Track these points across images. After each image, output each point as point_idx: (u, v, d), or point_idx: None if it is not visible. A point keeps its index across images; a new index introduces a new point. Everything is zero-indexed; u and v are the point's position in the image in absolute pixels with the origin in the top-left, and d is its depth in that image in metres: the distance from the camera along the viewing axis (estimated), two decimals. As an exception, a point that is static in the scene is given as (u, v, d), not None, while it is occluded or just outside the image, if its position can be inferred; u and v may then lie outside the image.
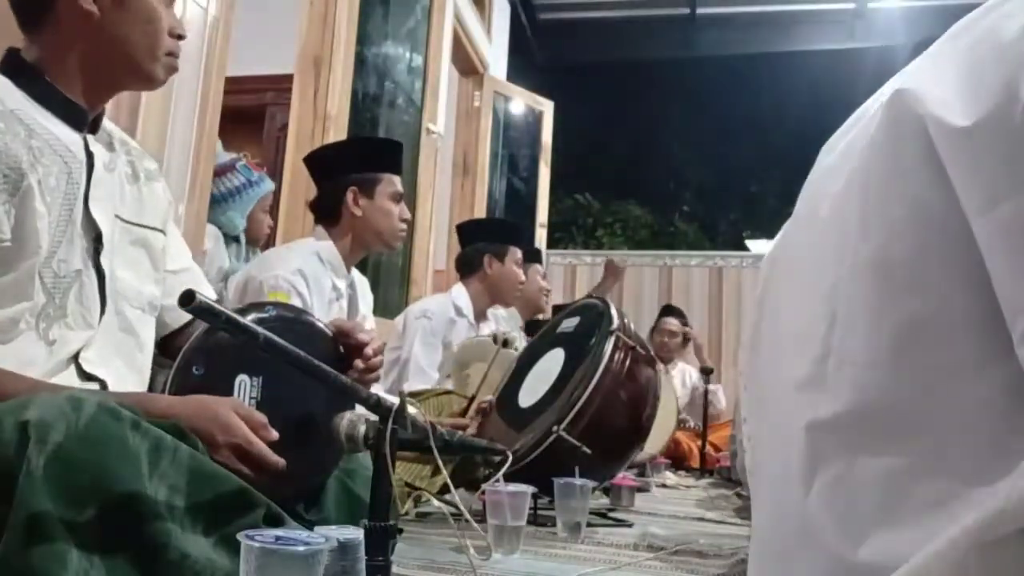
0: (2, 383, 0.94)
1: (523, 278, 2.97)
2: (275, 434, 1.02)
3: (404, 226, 2.12)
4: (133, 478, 0.79)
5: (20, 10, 1.11)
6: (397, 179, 2.10)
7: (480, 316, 2.89)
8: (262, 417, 1.02)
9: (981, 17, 0.60)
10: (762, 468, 0.80)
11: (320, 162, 2.14)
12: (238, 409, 1.01)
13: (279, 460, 1.01)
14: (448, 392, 2.34)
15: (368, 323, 2.19)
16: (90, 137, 1.12)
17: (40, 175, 1.01)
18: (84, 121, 1.11)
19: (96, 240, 1.09)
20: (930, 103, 0.56)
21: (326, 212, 2.07)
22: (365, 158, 2.11)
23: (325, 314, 1.93)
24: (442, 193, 4.17)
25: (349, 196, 2.03)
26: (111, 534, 0.77)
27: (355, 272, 2.18)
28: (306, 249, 2.02)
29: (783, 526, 0.68)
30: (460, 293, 2.85)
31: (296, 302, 1.86)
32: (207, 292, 1.35)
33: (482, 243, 2.88)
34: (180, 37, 1.18)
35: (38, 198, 1.00)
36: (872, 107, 0.67)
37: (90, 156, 1.10)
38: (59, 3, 1.08)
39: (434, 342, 2.67)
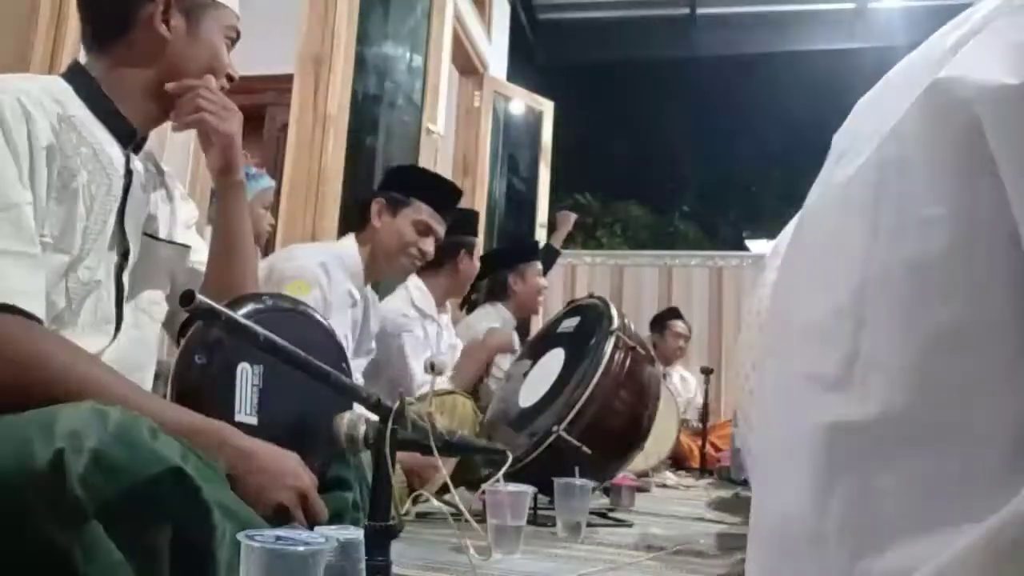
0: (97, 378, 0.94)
1: (545, 283, 3.23)
2: (325, 513, 1.03)
3: (415, 253, 2.12)
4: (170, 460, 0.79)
5: (97, 27, 1.15)
6: (429, 210, 2.14)
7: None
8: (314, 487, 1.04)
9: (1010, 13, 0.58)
10: (767, 462, 0.78)
11: (385, 177, 2.31)
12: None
13: (325, 512, 1.02)
14: (451, 392, 2.34)
15: (371, 342, 2.24)
16: (132, 156, 1.15)
17: (84, 180, 1.04)
18: (132, 139, 1.14)
19: (123, 256, 1.12)
20: (975, 78, 0.54)
21: (359, 218, 2.16)
22: (411, 184, 2.20)
23: (340, 317, 1.97)
24: (442, 193, 4.17)
25: (375, 207, 2.13)
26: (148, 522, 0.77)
27: (370, 292, 2.22)
28: (330, 249, 2.09)
29: (791, 527, 0.66)
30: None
31: (315, 294, 1.90)
32: None
33: (457, 235, 2.82)
34: (231, 79, 1.22)
35: (80, 201, 1.03)
36: (900, 95, 0.64)
37: (129, 174, 1.12)
38: (137, 26, 1.12)
39: None
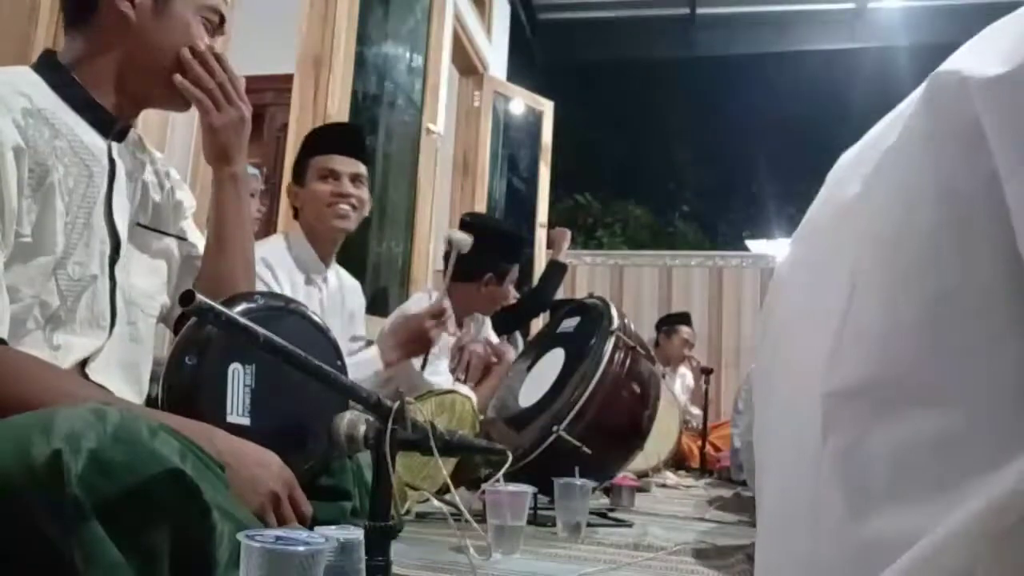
0: (44, 378, 0.94)
1: (511, 298, 2.86)
2: (309, 506, 1.03)
3: (335, 199, 2.00)
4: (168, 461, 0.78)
5: (65, 8, 1.12)
6: (328, 157, 2.03)
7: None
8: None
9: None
10: (771, 445, 0.79)
11: None
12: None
13: (309, 505, 1.02)
14: (452, 392, 2.34)
15: (357, 327, 2.19)
16: (115, 145, 1.11)
17: (60, 175, 1.01)
18: (111, 128, 1.10)
19: (115, 248, 1.09)
20: (971, 70, 0.55)
21: (294, 211, 2.13)
22: (302, 152, 2.12)
23: None
24: (442, 193, 4.17)
25: (288, 196, 2.09)
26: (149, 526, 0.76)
27: (344, 275, 2.18)
28: (275, 243, 2.04)
29: (790, 500, 0.67)
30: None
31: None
32: None
33: (489, 257, 2.66)
34: None
35: (58, 197, 1.00)
36: (906, 105, 0.66)
37: (112, 163, 1.09)
38: (101, 4, 1.08)
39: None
